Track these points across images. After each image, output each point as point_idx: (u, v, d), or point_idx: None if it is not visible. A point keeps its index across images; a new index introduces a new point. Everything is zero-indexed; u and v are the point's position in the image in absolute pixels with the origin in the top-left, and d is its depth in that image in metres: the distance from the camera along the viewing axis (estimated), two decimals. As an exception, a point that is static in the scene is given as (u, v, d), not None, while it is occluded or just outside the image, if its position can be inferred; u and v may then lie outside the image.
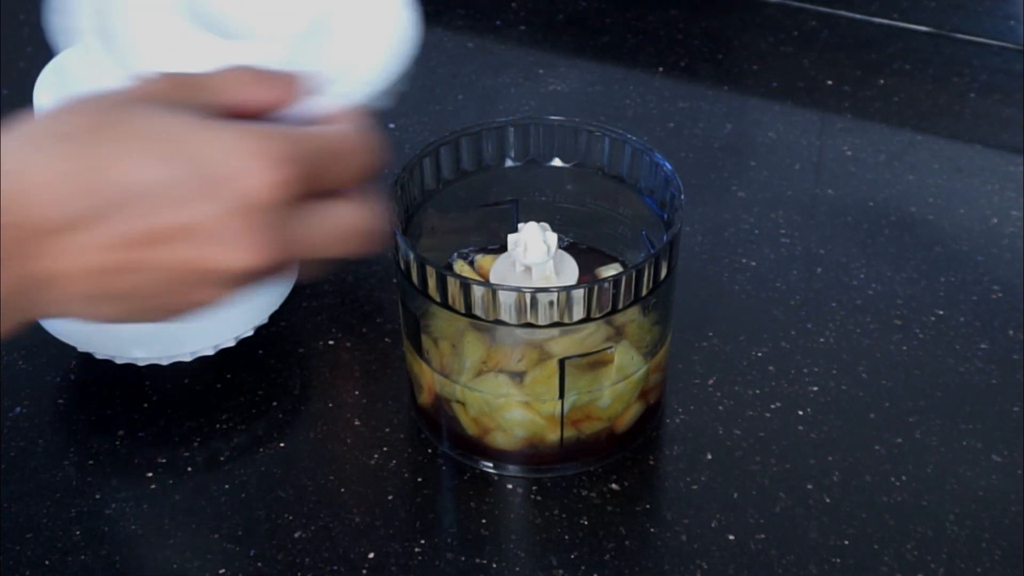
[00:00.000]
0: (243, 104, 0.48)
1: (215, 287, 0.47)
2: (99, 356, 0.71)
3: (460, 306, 0.62)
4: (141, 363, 0.71)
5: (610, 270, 0.70)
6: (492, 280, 0.67)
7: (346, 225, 0.49)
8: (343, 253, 0.49)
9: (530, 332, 0.62)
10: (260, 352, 0.74)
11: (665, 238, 0.62)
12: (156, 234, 0.45)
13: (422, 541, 0.65)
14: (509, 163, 0.69)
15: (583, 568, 0.64)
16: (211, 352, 0.71)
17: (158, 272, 0.45)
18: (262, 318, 0.72)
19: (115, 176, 0.44)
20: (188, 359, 0.71)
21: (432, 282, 0.62)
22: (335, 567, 0.64)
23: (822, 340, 0.75)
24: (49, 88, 0.66)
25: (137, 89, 0.47)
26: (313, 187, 0.47)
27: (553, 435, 0.66)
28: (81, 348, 0.71)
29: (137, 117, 0.45)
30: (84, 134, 0.44)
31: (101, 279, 0.45)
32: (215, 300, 0.47)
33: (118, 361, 0.71)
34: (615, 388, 0.65)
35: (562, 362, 0.63)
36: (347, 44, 0.58)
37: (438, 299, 0.62)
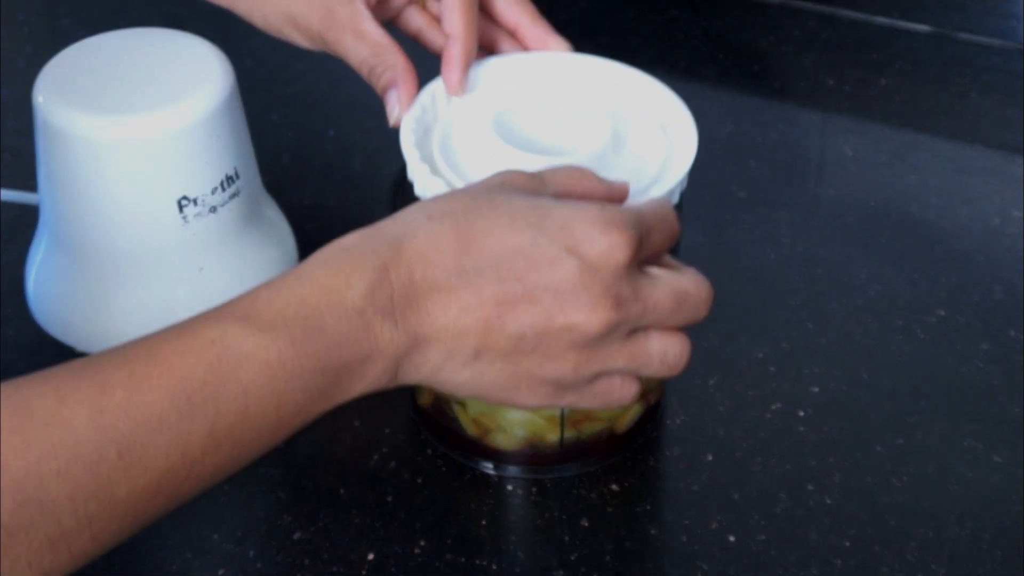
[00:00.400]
0: (581, 195, 0.56)
1: (568, 352, 0.53)
2: None
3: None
4: None
5: None
6: None
7: (683, 290, 0.55)
8: (685, 322, 0.56)
9: (530, 332, 0.62)
10: (260, 352, 0.74)
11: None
12: (523, 291, 0.52)
13: (422, 542, 0.65)
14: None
15: (583, 568, 0.64)
16: None
17: (518, 328, 0.52)
18: None
19: (487, 244, 0.52)
20: None
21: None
22: (335, 567, 0.64)
23: (823, 340, 0.75)
24: (49, 88, 0.66)
25: (499, 179, 0.55)
26: (645, 250, 0.54)
27: (553, 436, 0.66)
28: (81, 348, 0.71)
29: (502, 199, 0.53)
30: (462, 212, 0.52)
31: (468, 338, 0.52)
32: (564, 373, 0.54)
33: None
34: (615, 388, 0.65)
35: (562, 362, 0.63)
36: (641, 153, 0.64)
37: (438, 299, 0.62)
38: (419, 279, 0.51)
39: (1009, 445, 0.69)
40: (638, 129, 0.66)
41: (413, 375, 0.53)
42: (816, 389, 0.72)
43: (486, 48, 0.69)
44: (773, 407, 0.71)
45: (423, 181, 0.61)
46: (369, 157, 0.89)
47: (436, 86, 0.66)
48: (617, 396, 0.56)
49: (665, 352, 0.56)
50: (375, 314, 0.50)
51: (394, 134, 0.92)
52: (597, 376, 0.55)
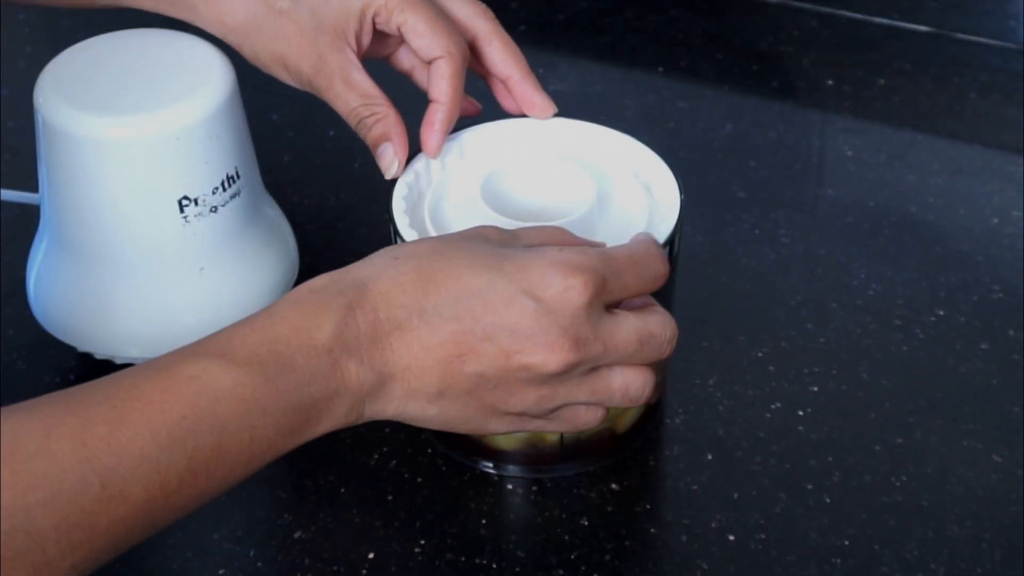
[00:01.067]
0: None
1: (528, 387, 0.55)
2: (99, 356, 0.71)
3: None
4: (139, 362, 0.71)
5: None
6: None
7: (646, 332, 0.57)
8: (648, 360, 0.57)
9: (530, 332, 0.62)
10: (260, 352, 0.74)
11: (665, 237, 0.62)
12: (481, 332, 0.54)
13: (422, 541, 0.65)
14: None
15: (583, 568, 0.64)
16: None
17: (479, 366, 0.54)
18: None
19: (448, 285, 0.54)
20: None
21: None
22: (335, 567, 0.64)
23: (822, 340, 0.75)
24: (49, 88, 0.66)
25: (473, 231, 0.58)
26: (612, 293, 0.56)
27: (553, 435, 0.66)
28: (81, 348, 0.71)
29: (468, 245, 0.55)
30: (426, 254, 0.55)
31: (433, 374, 0.54)
32: (527, 406, 0.56)
33: (118, 360, 0.71)
34: (615, 388, 0.65)
35: (562, 362, 0.63)
36: (627, 213, 0.65)
37: (438, 299, 0.62)
38: (383, 319, 0.53)
39: (1008, 444, 0.69)
40: (623, 190, 0.66)
41: (380, 411, 0.55)
42: (816, 389, 0.72)
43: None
44: (773, 407, 0.71)
45: None
46: (369, 157, 0.89)
47: None
48: (583, 422, 0.59)
49: (627, 387, 0.58)
50: (342, 353, 0.52)
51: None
52: (561, 407, 0.57)
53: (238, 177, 0.68)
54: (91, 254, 0.68)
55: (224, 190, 0.67)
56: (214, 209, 0.67)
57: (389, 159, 0.66)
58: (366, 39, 0.68)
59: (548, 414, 0.57)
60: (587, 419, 0.59)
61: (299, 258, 0.76)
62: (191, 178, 0.66)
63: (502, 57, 0.69)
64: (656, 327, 0.57)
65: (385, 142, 0.67)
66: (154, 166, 0.65)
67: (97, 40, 0.69)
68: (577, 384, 0.56)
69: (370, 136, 0.67)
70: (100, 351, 0.70)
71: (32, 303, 0.72)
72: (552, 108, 0.69)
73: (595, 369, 0.57)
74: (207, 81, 0.66)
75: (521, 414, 0.57)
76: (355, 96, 0.67)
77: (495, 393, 0.55)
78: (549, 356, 0.54)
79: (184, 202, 0.66)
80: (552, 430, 0.59)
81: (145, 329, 0.69)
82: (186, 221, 0.67)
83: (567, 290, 0.54)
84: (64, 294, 0.70)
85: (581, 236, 0.62)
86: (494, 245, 0.56)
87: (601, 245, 0.59)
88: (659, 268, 0.58)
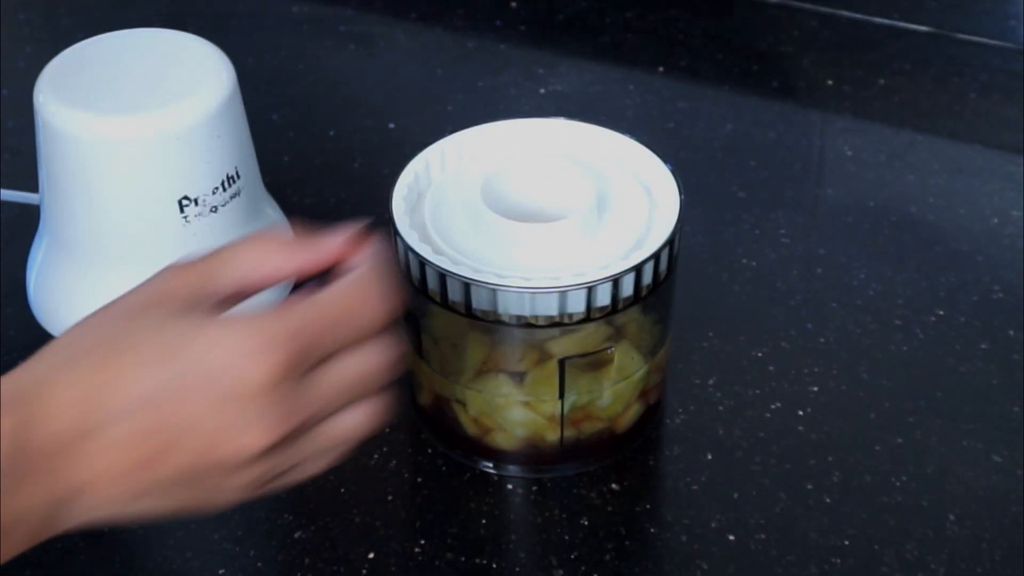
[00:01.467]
0: (260, 282, 0.52)
1: (238, 471, 0.50)
2: None
3: (460, 306, 0.62)
4: None
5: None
6: None
7: (358, 375, 0.51)
8: (370, 394, 0.52)
9: (530, 332, 0.62)
10: (260, 352, 0.74)
11: (665, 238, 0.62)
12: (164, 430, 0.48)
13: (422, 541, 0.65)
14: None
15: (583, 568, 0.64)
16: None
17: (176, 466, 0.49)
18: None
19: (129, 386, 0.48)
20: None
21: (432, 282, 0.62)
22: (335, 567, 0.64)
23: (822, 340, 0.75)
24: (49, 88, 0.66)
25: (150, 291, 0.51)
26: (316, 356, 0.50)
27: (553, 435, 0.66)
28: None
29: (145, 327, 0.49)
30: (103, 349, 0.49)
31: (127, 479, 0.48)
32: (247, 483, 0.50)
33: None
34: (615, 388, 0.66)
35: (562, 362, 0.63)
36: (626, 216, 0.65)
37: (438, 299, 0.62)
38: (61, 430, 0.47)
39: (1008, 444, 0.69)
40: (622, 191, 0.66)
41: (80, 518, 0.49)
42: (816, 389, 0.72)
43: None
44: (773, 406, 0.71)
45: (414, 247, 0.62)
46: (369, 157, 0.89)
47: (428, 153, 0.67)
48: (317, 470, 0.54)
49: (354, 430, 0.52)
50: (16, 477, 0.47)
51: (394, 134, 0.93)
52: (289, 469, 0.52)
53: (238, 177, 0.68)
54: (91, 254, 0.68)
55: (224, 190, 0.67)
56: (214, 209, 0.67)
57: None
58: None
59: (279, 477, 0.52)
60: (320, 467, 0.53)
61: None
62: (191, 178, 0.66)
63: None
64: (372, 361, 0.52)
65: None
66: (154, 166, 0.65)
67: (97, 40, 0.69)
68: (297, 448, 0.51)
69: None
70: None
71: (32, 303, 0.72)
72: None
73: (316, 426, 0.51)
74: (207, 81, 0.66)
75: (247, 488, 0.51)
76: None
77: (206, 483, 0.50)
78: (250, 442, 0.49)
79: (184, 202, 0.66)
80: (290, 484, 0.53)
81: None
82: (186, 221, 0.67)
83: (258, 373, 0.48)
84: (64, 294, 0.70)
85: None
86: (177, 316, 0.49)
87: (329, 243, 0.53)
88: (376, 312, 0.51)
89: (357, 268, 0.52)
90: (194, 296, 0.51)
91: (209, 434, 0.48)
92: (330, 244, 0.53)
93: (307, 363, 0.50)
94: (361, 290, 0.51)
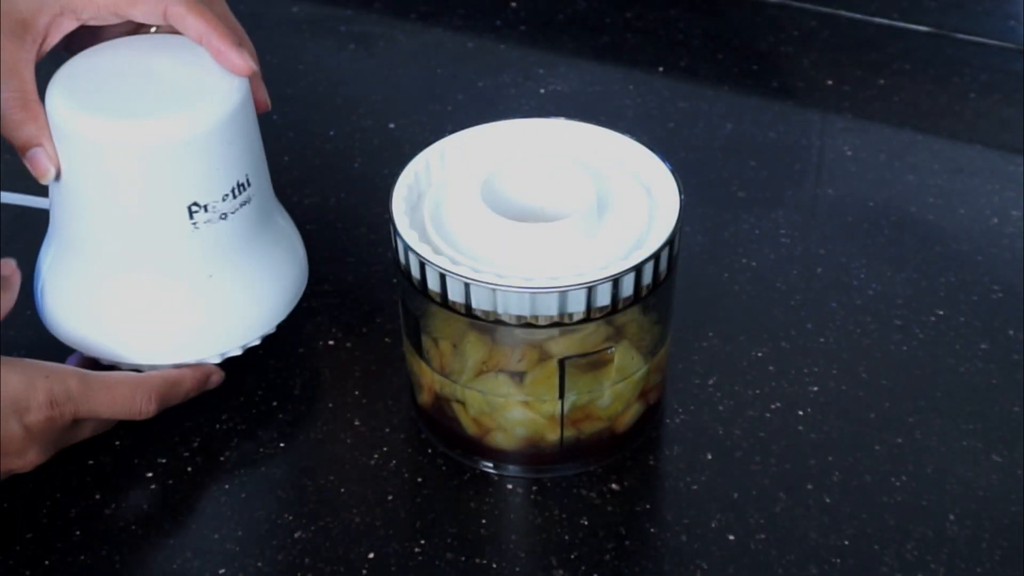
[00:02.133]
0: None
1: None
2: (104, 361, 0.71)
3: (460, 306, 0.62)
4: (144, 369, 0.71)
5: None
6: None
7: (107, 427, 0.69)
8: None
9: (530, 332, 0.62)
10: (260, 352, 0.74)
11: (665, 238, 0.62)
12: None
13: (422, 541, 0.65)
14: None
15: (583, 568, 0.64)
16: (217, 360, 0.71)
17: None
18: (270, 327, 0.72)
19: None
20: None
21: (432, 282, 0.62)
22: (335, 567, 0.64)
23: (822, 340, 0.75)
24: (61, 92, 0.66)
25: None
26: (83, 410, 0.65)
27: (553, 435, 0.66)
28: (88, 354, 0.70)
29: None
30: None
31: None
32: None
33: (123, 366, 0.71)
34: (615, 388, 0.66)
35: (562, 362, 0.63)
36: (626, 216, 0.65)
37: (438, 299, 0.62)
38: None
39: (1008, 444, 0.69)
40: (622, 191, 0.66)
41: None
42: (815, 388, 0.72)
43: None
44: (773, 406, 0.71)
45: (414, 247, 0.62)
46: (369, 157, 0.89)
47: (428, 153, 0.67)
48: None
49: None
50: None
51: (394, 134, 0.93)
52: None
53: (248, 184, 0.68)
54: (100, 259, 0.68)
55: (234, 197, 0.67)
56: (224, 216, 0.67)
57: (44, 164, 0.65)
58: (56, 35, 0.66)
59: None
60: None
61: (308, 266, 0.75)
62: (201, 184, 0.66)
63: (193, 21, 0.67)
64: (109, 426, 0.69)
65: (36, 146, 0.65)
66: (164, 172, 0.65)
67: (109, 45, 0.69)
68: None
69: (19, 135, 0.65)
70: (106, 356, 0.70)
71: (40, 308, 0.72)
72: (248, 66, 0.67)
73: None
74: (219, 87, 0.66)
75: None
76: (12, 87, 0.65)
77: None
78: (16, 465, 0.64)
79: (194, 208, 0.66)
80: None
81: (152, 336, 0.69)
82: (195, 228, 0.66)
83: (41, 416, 0.63)
84: (72, 299, 0.70)
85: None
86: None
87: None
88: (135, 406, 0.67)
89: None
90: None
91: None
92: None
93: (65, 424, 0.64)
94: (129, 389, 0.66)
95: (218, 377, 0.70)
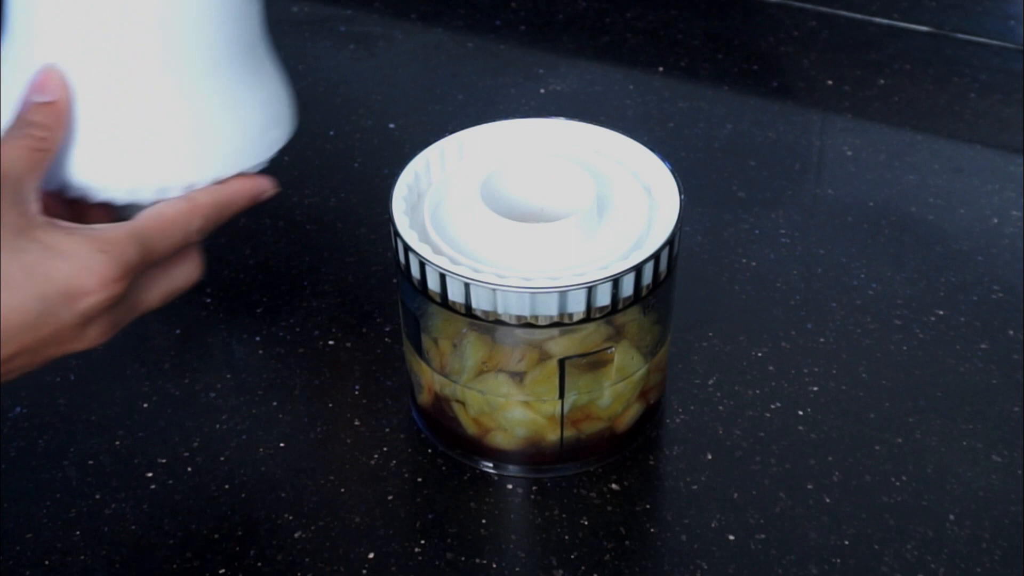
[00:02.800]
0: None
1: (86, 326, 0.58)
2: (70, 194, 0.62)
3: (460, 306, 0.62)
4: (118, 201, 0.62)
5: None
6: None
7: (173, 285, 0.61)
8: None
9: (530, 332, 0.62)
10: (260, 352, 0.74)
11: (665, 238, 0.62)
12: (24, 349, 0.55)
13: (422, 541, 0.65)
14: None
15: (583, 568, 0.64)
16: (180, 191, 0.62)
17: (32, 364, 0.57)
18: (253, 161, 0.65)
19: None
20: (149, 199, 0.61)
21: (432, 282, 0.62)
22: (335, 567, 0.64)
23: (822, 340, 0.75)
24: None
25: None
26: (148, 264, 0.58)
27: (553, 435, 0.66)
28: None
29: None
30: None
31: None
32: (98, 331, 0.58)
33: (92, 199, 0.62)
34: (615, 388, 0.66)
35: (562, 362, 0.63)
36: (626, 215, 0.65)
37: (438, 299, 0.62)
38: None
39: (1008, 444, 0.69)
40: (622, 191, 0.66)
41: None
42: (816, 388, 0.72)
43: None
44: (773, 406, 0.71)
45: (414, 247, 0.62)
46: (369, 157, 0.89)
47: (428, 153, 0.67)
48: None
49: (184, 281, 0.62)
50: None
51: (394, 134, 0.93)
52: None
53: None
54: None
55: None
56: None
57: None
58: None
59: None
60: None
61: (295, 125, 0.68)
62: None
63: None
64: (180, 281, 0.61)
65: None
66: None
67: None
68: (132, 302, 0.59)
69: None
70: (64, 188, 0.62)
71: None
72: None
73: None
74: None
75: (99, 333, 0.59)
76: None
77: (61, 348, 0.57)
78: (86, 345, 0.58)
79: None
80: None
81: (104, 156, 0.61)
82: None
83: (105, 293, 0.56)
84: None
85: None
86: (14, 236, 0.55)
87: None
88: (192, 228, 0.60)
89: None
90: (19, 229, 0.56)
91: (60, 343, 0.57)
92: None
93: (139, 273, 0.58)
94: (180, 207, 0.60)
95: (270, 187, 0.66)
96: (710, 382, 0.73)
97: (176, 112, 0.61)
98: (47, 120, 0.58)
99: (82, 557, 0.65)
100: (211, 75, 0.63)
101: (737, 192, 0.85)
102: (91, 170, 0.60)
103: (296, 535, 0.66)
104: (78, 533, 0.66)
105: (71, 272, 0.55)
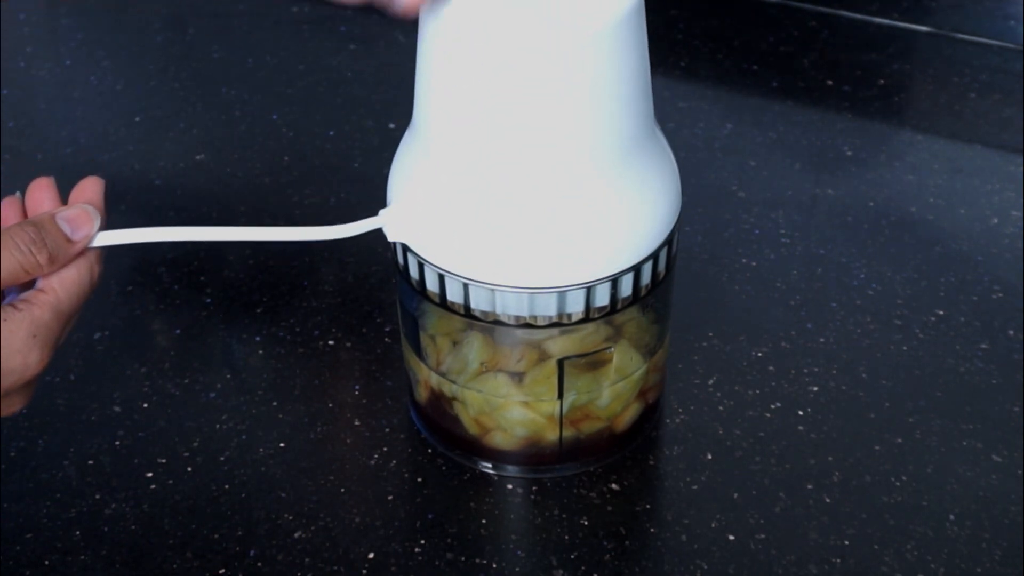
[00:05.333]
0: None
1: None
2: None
3: (459, 307, 0.62)
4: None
5: None
6: None
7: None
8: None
9: (529, 332, 0.62)
10: (260, 352, 0.74)
11: (664, 238, 0.62)
12: None
13: (422, 541, 0.65)
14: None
15: (583, 568, 0.64)
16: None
17: None
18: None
19: None
20: None
21: (431, 283, 0.62)
22: (335, 567, 0.64)
23: (822, 340, 0.75)
24: None
25: None
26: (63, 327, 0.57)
27: (553, 435, 0.66)
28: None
29: None
30: None
31: None
32: None
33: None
34: (614, 388, 0.66)
35: (561, 362, 0.63)
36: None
37: (437, 300, 0.62)
38: None
39: (1008, 444, 0.69)
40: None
41: None
42: (815, 388, 0.72)
43: None
44: (773, 406, 0.71)
45: (412, 247, 0.62)
46: (369, 157, 0.89)
47: None
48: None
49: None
50: None
51: (394, 135, 0.92)
52: None
53: None
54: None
55: None
56: None
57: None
58: None
59: None
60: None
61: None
62: None
63: None
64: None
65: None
66: None
67: None
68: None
69: None
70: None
71: None
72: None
73: None
74: None
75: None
76: None
77: None
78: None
79: None
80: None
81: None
82: None
83: (21, 379, 0.56)
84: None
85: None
86: None
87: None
88: (92, 281, 0.58)
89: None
90: None
91: None
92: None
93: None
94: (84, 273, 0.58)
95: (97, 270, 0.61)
96: (710, 382, 0.73)
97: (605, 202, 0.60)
98: (56, 252, 0.57)
99: (82, 557, 0.65)
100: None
101: (737, 192, 0.85)
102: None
103: (296, 535, 0.66)
104: (78, 533, 0.66)
105: (4, 357, 0.55)
